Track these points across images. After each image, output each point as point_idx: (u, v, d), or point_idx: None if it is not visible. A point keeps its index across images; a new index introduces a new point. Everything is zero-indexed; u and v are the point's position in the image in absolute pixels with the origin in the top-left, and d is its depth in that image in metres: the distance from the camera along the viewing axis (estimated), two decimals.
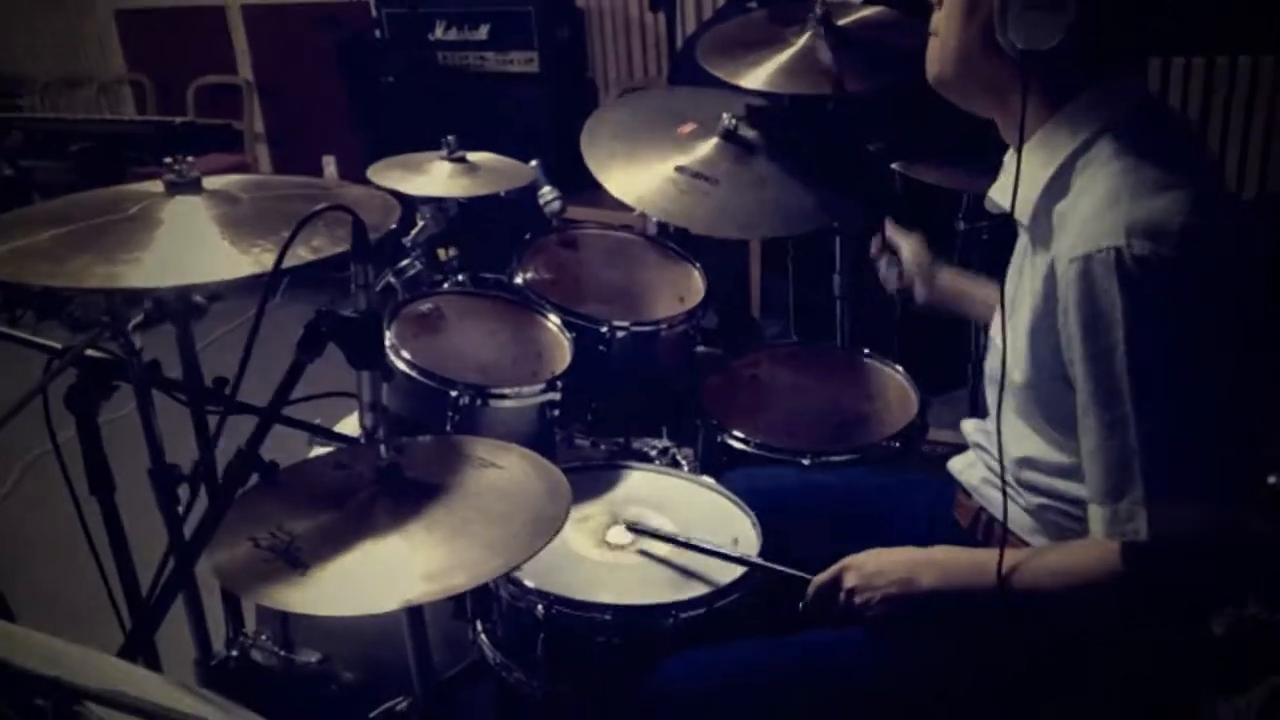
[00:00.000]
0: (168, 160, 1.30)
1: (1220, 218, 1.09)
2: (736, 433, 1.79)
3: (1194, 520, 1.08)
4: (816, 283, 2.38)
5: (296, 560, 1.11)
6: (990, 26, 1.13)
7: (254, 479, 1.16)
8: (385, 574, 1.11)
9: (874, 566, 1.27)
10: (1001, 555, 1.17)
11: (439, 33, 4.12)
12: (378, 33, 4.20)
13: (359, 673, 1.81)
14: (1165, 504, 1.07)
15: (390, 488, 1.21)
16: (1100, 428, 1.09)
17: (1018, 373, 1.20)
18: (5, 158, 4.58)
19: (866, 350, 2.06)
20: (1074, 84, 1.15)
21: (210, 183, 1.35)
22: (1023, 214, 1.20)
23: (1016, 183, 1.18)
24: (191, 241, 1.27)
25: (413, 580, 1.11)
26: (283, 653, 1.84)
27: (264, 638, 1.87)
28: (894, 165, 2.16)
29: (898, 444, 1.80)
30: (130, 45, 5.48)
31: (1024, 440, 1.23)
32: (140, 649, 1.13)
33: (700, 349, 2.11)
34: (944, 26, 1.21)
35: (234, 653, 1.66)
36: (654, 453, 2.28)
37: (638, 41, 4.15)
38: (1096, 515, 1.12)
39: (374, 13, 4.25)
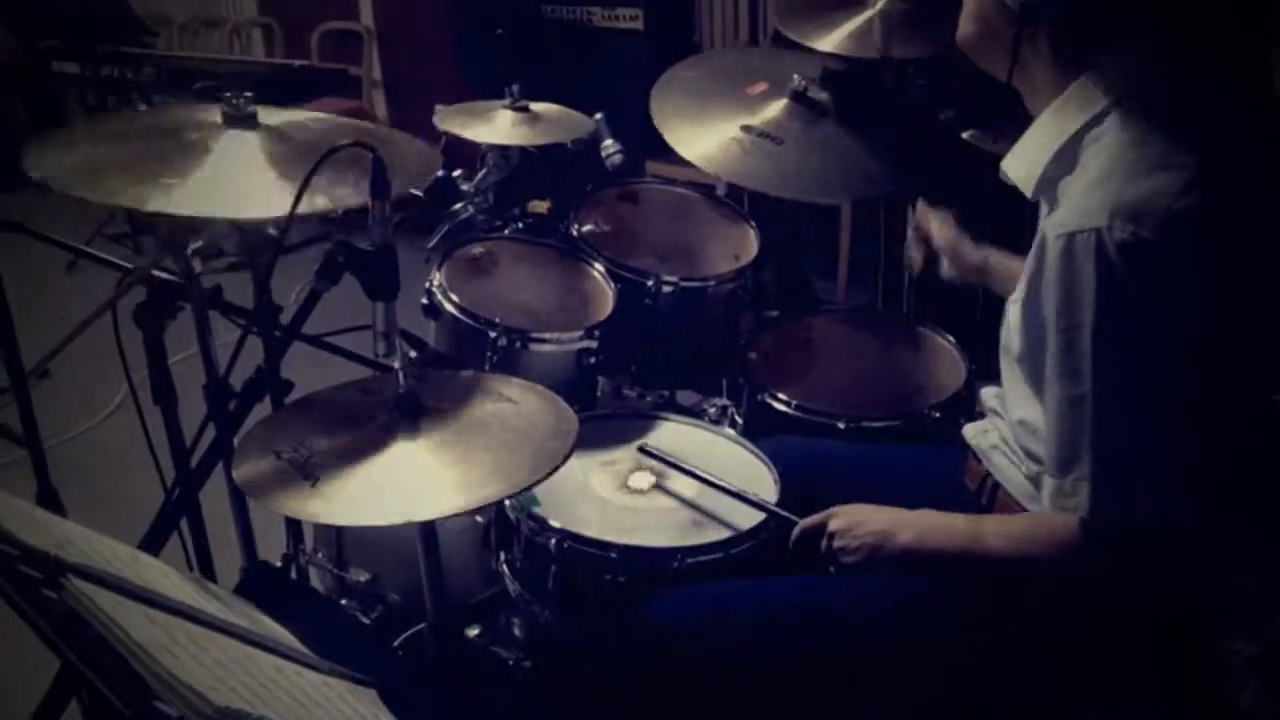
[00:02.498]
0: (227, 94, 1.37)
1: (1221, 198, 1.07)
2: (778, 393, 1.81)
3: (1137, 503, 1.08)
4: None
5: (309, 473, 1.19)
6: None
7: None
8: (389, 491, 1.18)
9: (858, 517, 1.31)
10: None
11: None
12: None
13: (404, 594, 1.91)
14: (1109, 484, 1.08)
15: (407, 413, 1.27)
16: (1060, 401, 1.09)
17: (1015, 343, 1.21)
18: (139, 91, 4.83)
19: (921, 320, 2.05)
20: (1090, 52, 1.14)
21: (265, 117, 1.42)
22: (1027, 185, 1.20)
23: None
24: (235, 174, 1.34)
25: (414, 499, 1.18)
26: (335, 570, 1.95)
27: (319, 555, 1.98)
28: (965, 134, 2.13)
29: (938, 414, 1.79)
30: None
31: (1024, 409, 1.23)
32: (160, 541, 1.22)
33: (767, 313, 2.14)
34: None
35: (278, 564, 1.76)
36: (712, 409, 2.32)
37: (745, 2, 4.12)
38: (1047, 485, 1.14)
39: None
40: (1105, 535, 1.10)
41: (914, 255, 1.76)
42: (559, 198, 2.20)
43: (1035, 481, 1.26)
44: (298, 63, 4.66)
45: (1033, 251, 1.15)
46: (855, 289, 3.77)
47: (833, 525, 1.33)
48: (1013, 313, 1.21)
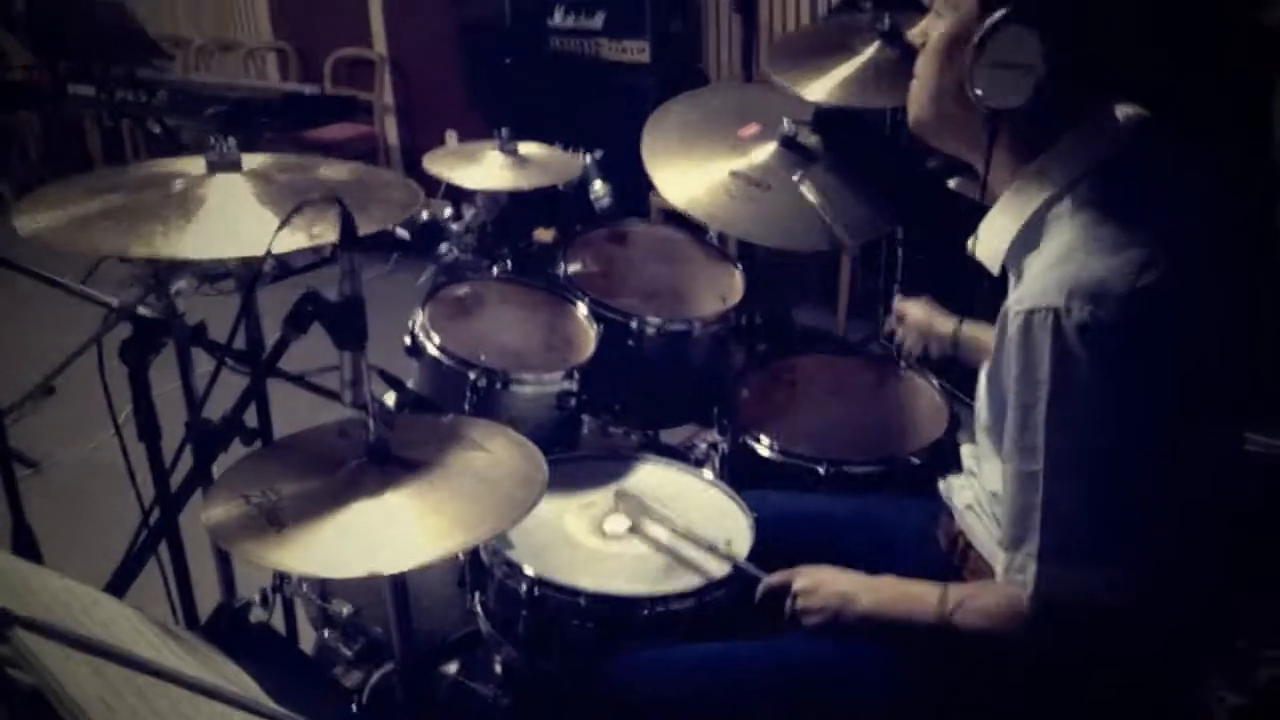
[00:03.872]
0: (211, 140, 1.40)
1: (1180, 278, 1.07)
2: (761, 436, 1.82)
3: (1084, 583, 1.09)
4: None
5: (276, 519, 1.20)
6: (963, 77, 1.13)
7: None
8: (354, 541, 1.19)
9: (821, 578, 1.32)
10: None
11: (557, 19, 4.21)
12: (505, 17, 4.33)
13: (387, 627, 1.92)
14: (1055, 563, 1.09)
15: (377, 461, 1.29)
16: (1015, 477, 1.10)
17: (983, 413, 1.22)
18: (153, 115, 4.90)
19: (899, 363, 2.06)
20: (1050, 133, 1.15)
21: (249, 162, 1.45)
22: (993, 264, 1.20)
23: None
24: (228, 217, 1.37)
25: (379, 550, 1.19)
26: (319, 602, 1.96)
27: (304, 586, 1.99)
28: (950, 183, 2.14)
29: (918, 460, 1.80)
30: (277, 14, 5.75)
31: (994, 480, 1.24)
32: (123, 586, 1.24)
33: (760, 347, 2.15)
34: (922, 71, 1.22)
35: (241, 604, 1.77)
36: (702, 445, 2.34)
37: (756, 26, 4.15)
38: (1000, 559, 1.14)
39: None
40: (1052, 612, 1.11)
41: (909, 345, 1.82)
42: (563, 226, 2.22)
43: None
44: (309, 89, 4.73)
45: (997, 324, 1.15)
46: (855, 322, 3.79)
47: (796, 585, 1.34)
48: (981, 383, 1.22)
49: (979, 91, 1.12)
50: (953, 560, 1.39)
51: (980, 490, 1.32)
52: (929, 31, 1.22)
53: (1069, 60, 1.08)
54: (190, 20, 6.13)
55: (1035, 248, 1.15)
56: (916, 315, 1.78)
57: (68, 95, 5.09)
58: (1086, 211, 1.10)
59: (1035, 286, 1.08)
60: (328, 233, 1.24)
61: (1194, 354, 1.09)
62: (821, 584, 1.31)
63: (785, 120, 2.01)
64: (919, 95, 1.24)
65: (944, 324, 1.72)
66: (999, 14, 1.09)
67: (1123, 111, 1.21)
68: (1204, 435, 1.13)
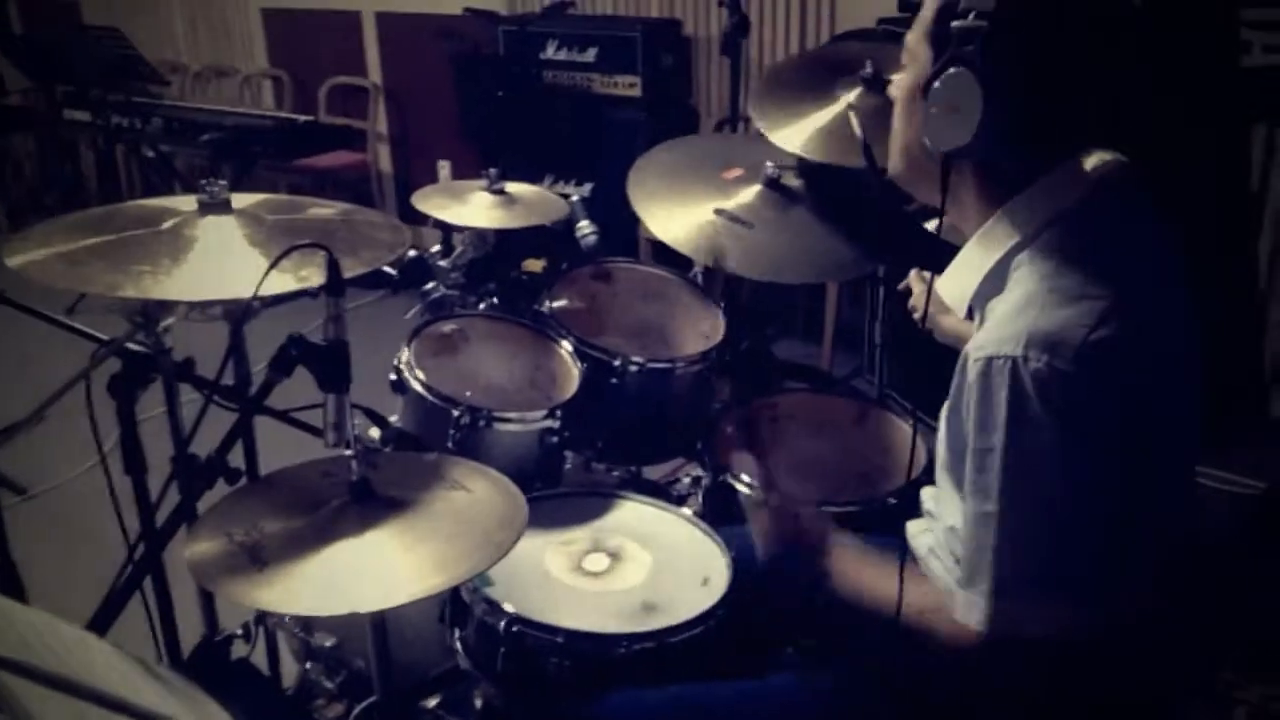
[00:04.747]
0: (203, 181, 1.43)
1: (1137, 329, 1.10)
2: (741, 475, 1.84)
3: (1034, 624, 1.12)
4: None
5: (259, 557, 1.22)
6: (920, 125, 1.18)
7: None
8: (335, 580, 1.21)
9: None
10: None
11: (549, 52, 4.27)
12: (499, 49, 4.38)
13: (369, 661, 1.94)
14: (1007, 602, 1.11)
15: (359, 500, 1.31)
16: (972, 518, 1.13)
17: (942, 452, 1.24)
18: (147, 141, 4.94)
19: (885, 400, 2.09)
20: (1014, 181, 1.18)
21: (239, 202, 1.48)
22: (960, 306, 1.23)
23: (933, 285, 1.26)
24: (217, 258, 1.40)
25: (359, 589, 1.21)
26: (301, 634, 1.97)
27: (287, 619, 2.01)
28: (928, 224, 2.18)
29: (894, 500, 1.82)
30: (273, 42, 5.80)
31: (954, 517, 1.26)
32: (105, 624, 1.25)
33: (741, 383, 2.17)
34: (894, 123, 1.27)
35: (223, 637, 1.78)
36: (686, 479, 2.35)
37: (743, 67, 4.21)
38: (951, 595, 1.16)
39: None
40: (1001, 648, 1.13)
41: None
42: (553, 257, 2.25)
43: None
44: (303, 118, 4.77)
45: (957, 367, 1.18)
46: (840, 355, 3.82)
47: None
48: (942, 423, 1.24)
49: (927, 139, 1.16)
50: None
51: (939, 531, 1.35)
52: (899, 85, 1.26)
53: (1010, 102, 1.11)
54: (188, 46, 6.19)
55: (999, 293, 1.18)
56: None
57: (63, 120, 5.13)
58: (1048, 261, 1.13)
59: (994, 334, 1.11)
60: (315, 276, 1.27)
61: (1148, 399, 1.12)
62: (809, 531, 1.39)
63: (769, 163, 2.05)
64: (892, 147, 1.28)
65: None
66: (942, 60, 1.13)
67: (1093, 160, 1.25)
68: (1158, 476, 1.16)
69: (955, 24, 1.12)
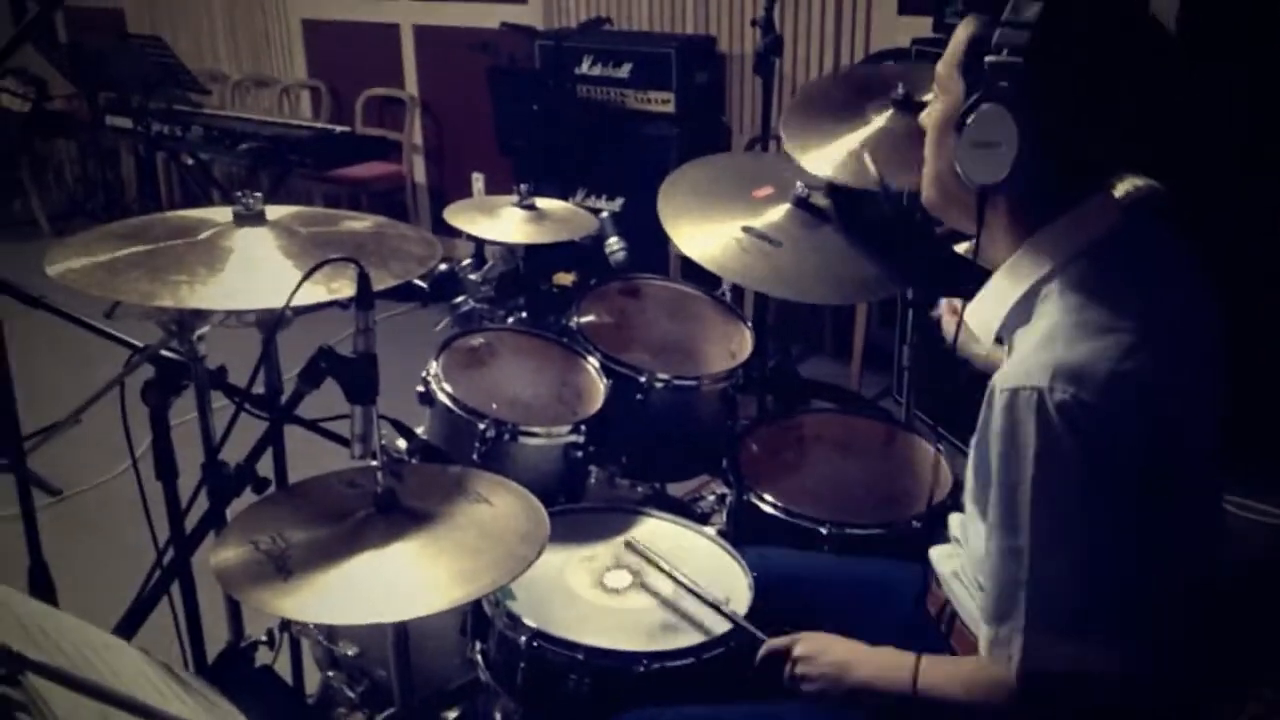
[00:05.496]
0: (238, 193, 1.45)
1: (1163, 361, 1.10)
2: (765, 495, 1.84)
3: (1068, 658, 1.11)
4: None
5: (284, 566, 1.24)
6: (953, 157, 1.18)
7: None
8: (359, 590, 1.23)
9: (821, 646, 1.34)
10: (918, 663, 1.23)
11: (584, 67, 4.29)
12: (535, 63, 4.42)
13: (390, 671, 1.95)
14: (1041, 637, 1.11)
15: (384, 511, 1.32)
16: (999, 551, 1.13)
17: (970, 481, 1.24)
18: (187, 149, 5.01)
19: (912, 423, 2.08)
20: (1045, 211, 1.18)
21: (273, 214, 1.50)
22: (986, 336, 1.23)
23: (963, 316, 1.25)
24: (252, 269, 1.42)
25: (383, 599, 1.22)
26: (325, 642, 1.99)
27: (311, 627, 2.02)
28: (958, 247, 2.17)
29: (919, 524, 1.82)
30: (312, 53, 5.88)
31: (981, 542, 1.26)
32: (133, 628, 1.27)
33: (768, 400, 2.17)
34: (926, 154, 1.28)
35: (248, 644, 1.80)
36: (710, 497, 2.36)
37: (776, 86, 4.22)
38: (983, 632, 1.16)
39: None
40: (1039, 685, 1.13)
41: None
42: (582, 272, 2.26)
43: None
44: (339, 128, 4.82)
45: (985, 398, 1.18)
46: (868, 375, 3.81)
47: (797, 651, 1.36)
48: (971, 452, 1.24)
49: (961, 173, 1.17)
50: (939, 628, 1.41)
51: (966, 558, 1.34)
52: (930, 115, 1.26)
53: (1044, 138, 1.11)
54: (229, 56, 6.28)
55: (1027, 323, 1.18)
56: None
57: (105, 126, 5.22)
58: (1075, 293, 1.13)
59: (1022, 365, 1.11)
60: (346, 288, 1.28)
61: (1176, 431, 1.11)
62: (822, 651, 1.33)
63: (799, 183, 2.05)
64: (926, 177, 1.29)
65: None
66: (976, 95, 1.14)
67: (1125, 186, 1.24)
68: (1185, 507, 1.15)
69: (989, 59, 1.12)
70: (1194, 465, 1.16)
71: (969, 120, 1.14)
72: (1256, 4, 2.94)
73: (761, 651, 1.42)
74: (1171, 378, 1.11)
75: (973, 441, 1.24)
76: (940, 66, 1.24)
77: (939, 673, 1.23)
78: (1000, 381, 1.12)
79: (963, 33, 1.20)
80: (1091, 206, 1.18)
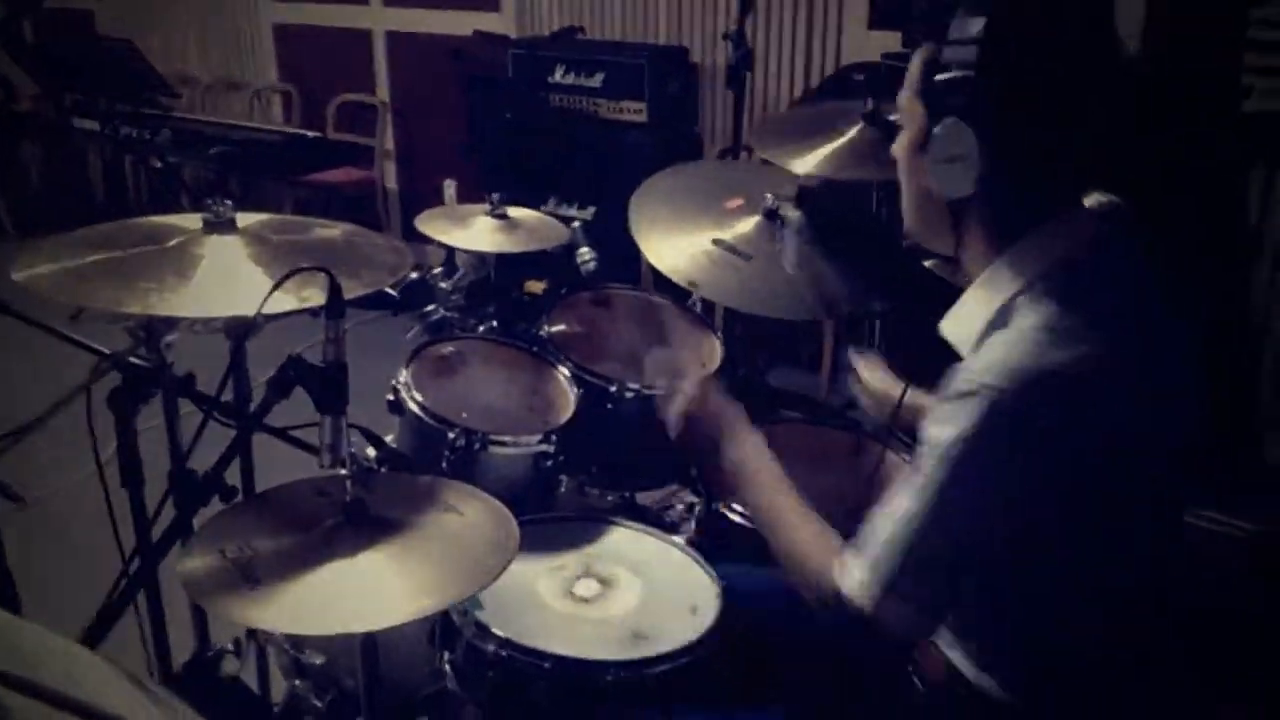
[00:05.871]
0: (208, 200, 1.45)
1: (1131, 372, 1.14)
2: (733, 504, 1.85)
3: (903, 623, 1.19)
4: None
5: (251, 575, 1.24)
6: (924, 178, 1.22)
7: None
8: (326, 600, 1.22)
9: (711, 407, 1.51)
10: None
11: (557, 76, 4.30)
12: (508, 71, 4.42)
13: (358, 680, 1.94)
14: (879, 590, 1.17)
15: (353, 520, 1.32)
16: (893, 498, 1.19)
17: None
18: (155, 153, 4.97)
19: (880, 433, 2.10)
20: (1019, 225, 1.21)
21: (243, 221, 1.50)
22: (963, 346, 1.25)
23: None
24: (222, 276, 1.42)
25: (350, 609, 1.22)
26: (291, 651, 1.98)
27: (278, 635, 2.01)
28: (926, 263, 2.20)
29: None
30: (284, 57, 5.85)
31: None
32: (98, 638, 1.26)
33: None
34: (901, 183, 1.31)
35: (214, 653, 1.78)
36: (679, 507, 2.36)
37: (748, 99, 4.25)
38: (837, 551, 1.25)
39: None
40: (841, 607, 1.21)
41: (868, 407, 1.85)
42: (553, 281, 2.26)
43: (954, 630, 1.30)
44: (311, 133, 4.81)
45: (943, 381, 1.20)
46: (838, 385, 3.83)
47: (687, 389, 1.52)
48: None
49: (935, 190, 1.21)
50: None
51: None
52: (899, 145, 1.29)
53: (1006, 148, 1.15)
54: (200, 59, 6.24)
55: (1002, 328, 1.21)
56: (868, 374, 1.82)
57: (72, 128, 5.16)
58: (1048, 303, 1.16)
59: (985, 361, 1.14)
60: (316, 296, 1.28)
61: (1131, 447, 1.15)
62: (711, 411, 1.49)
63: (768, 195, 2.07)
64: (905, 206, 1.33)
65: (891, 385, 1.76)
66: (936, 113, 1.19)
67: (1094, 200, 1.27)
68: (1136, 521, 1.19)
69: (940, 78, 1.17)
70: (1151, 479, 1.18)
71: (932, 137, 1.18)
72: (1218, 19, 3.00)
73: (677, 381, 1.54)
74: (1133, 394, 1.14)
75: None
76: (901, 96, 1.28)
77: (790, 507, 1.36)
78: (964, 370, 1.15)
79: (917, 60, 1.24)
80: (1064, 221, 1.20)
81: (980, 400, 1.10)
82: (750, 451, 1.45)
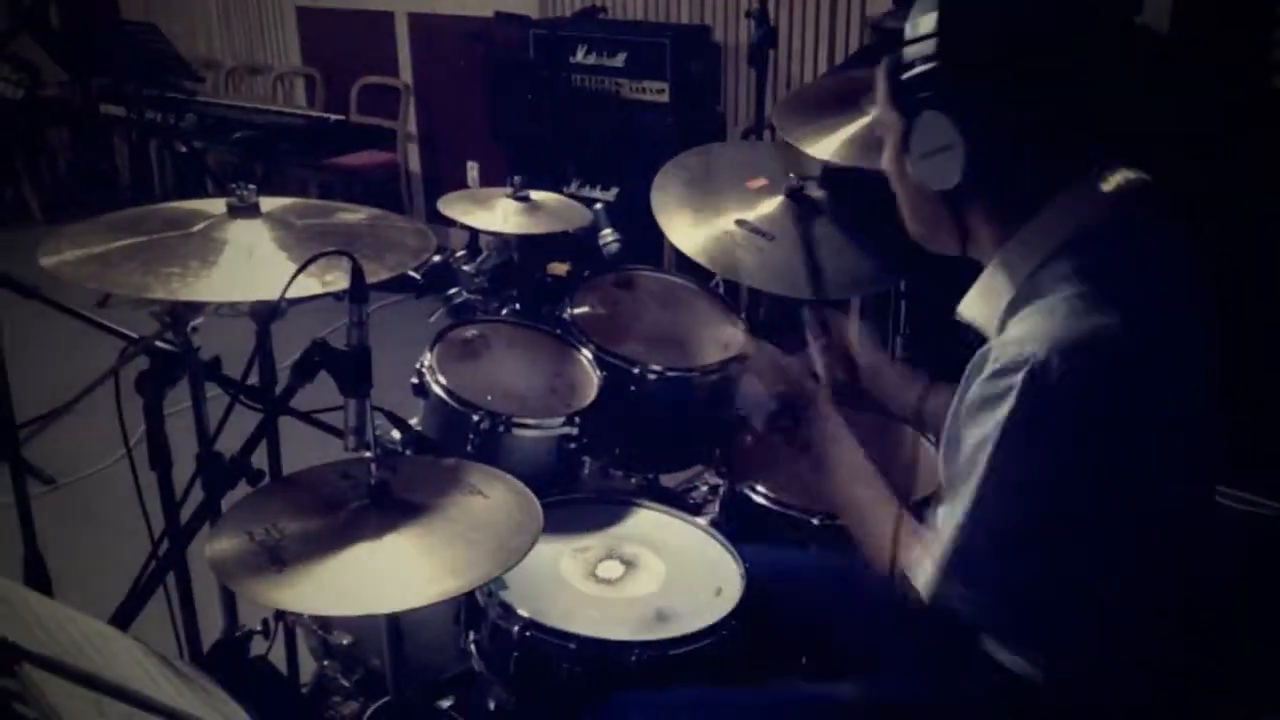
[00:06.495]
0: (232, 185, 1.46)
1: (1152, 344, 1.14)
2: (756, 485, 1.85)
3: (969, 605, 1.21)
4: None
5: (278, 557, 1.25)
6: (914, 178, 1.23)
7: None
8: (353, 581, 1.24)
9: (828, 413, 1.53)
10: None
11: (579, 56, 4.28)
12: (529, 52, 4.41)
13: (384, 660, 1.96)
14: (946, 582, 1.19)
15: (378, 503, 1.33)
16: (951, 493, 1.20)
17: (941, 459, 1.27)
18: (181, 138, 5.00)
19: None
20: (1024, 205, 1.20)
21: (267, 206, 1.51)
22: (989, 329, 1.25)
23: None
24: (246, 261, 1.43)
25: (376, 590, 1.23)
26: (319, 631, 2.00)
27: (305, 616, 2.03)
28: None
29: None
30: (307, 40, 5.86)
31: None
32: (128, 619, 1.28)
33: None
34: (896, 192, 1.32)
35: (243, 634, 1.80)
36: (704, 489, 2.36)
37: (770, 78, 4.22)
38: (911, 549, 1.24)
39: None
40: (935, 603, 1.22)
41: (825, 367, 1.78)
42: (576, 263, 2.26)
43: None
44: (334, 117, 4.82)
45: (973, 361, 1.20)
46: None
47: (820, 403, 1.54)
48: (944, 432, 1.26)
49: (927, 185, 1.22)
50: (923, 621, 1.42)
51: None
52: (885, 156, 1.30)
53: (987, 128, 1.16)
54: (223, 43, 6.26)
55: (1024, 305, 1.20)
56: (871, 354, 1.80)
57: (99, 114, 5.20)
58: (1072, 274, 1.15)
59: (1018, 334, 1.14)
60: (340, 280, 1.29)
61: (1160, 417, 1.15)
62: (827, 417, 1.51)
63: (791, 174, 2.06)
64: (905, 213, 1.33)
65: (906, 378, 1.74)
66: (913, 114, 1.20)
67: (1116, 179, 1.26)
68: (1167, 496, 1.18)
69: (904, 78, 1.19)
70: (1179, 453, 1.18)
71: (911, 136, 1.20)
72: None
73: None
74: (1158, 361, 1.14)
75: (947, 421, 1.25)
76: (876, 111, 1.29)
77: (870, 495, 1.38)
78: (997, 345, 1.15)
79: (880, 73, 1.26)
80: (1074, 196, 1.20)
81: (1025, 373, 1.09)
82: (843, 442, 1.48)
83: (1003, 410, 1.11)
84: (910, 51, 1.18)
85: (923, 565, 1.22)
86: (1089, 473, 1.12)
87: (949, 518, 1.18)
